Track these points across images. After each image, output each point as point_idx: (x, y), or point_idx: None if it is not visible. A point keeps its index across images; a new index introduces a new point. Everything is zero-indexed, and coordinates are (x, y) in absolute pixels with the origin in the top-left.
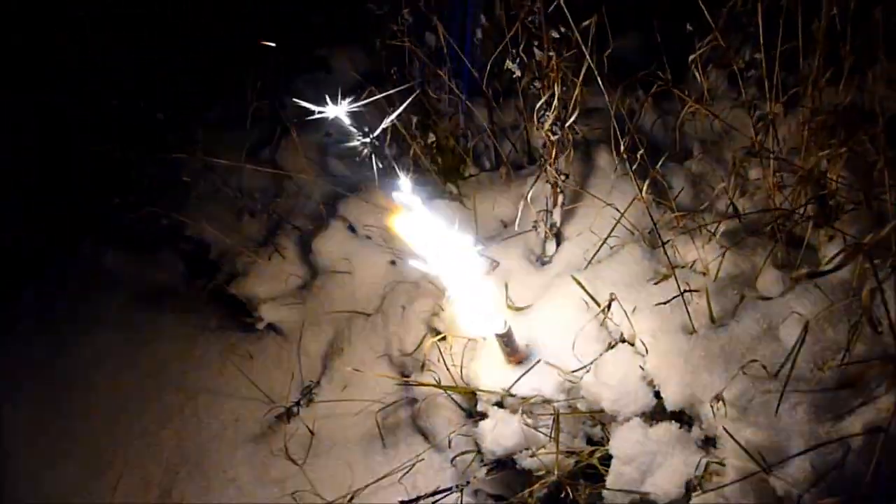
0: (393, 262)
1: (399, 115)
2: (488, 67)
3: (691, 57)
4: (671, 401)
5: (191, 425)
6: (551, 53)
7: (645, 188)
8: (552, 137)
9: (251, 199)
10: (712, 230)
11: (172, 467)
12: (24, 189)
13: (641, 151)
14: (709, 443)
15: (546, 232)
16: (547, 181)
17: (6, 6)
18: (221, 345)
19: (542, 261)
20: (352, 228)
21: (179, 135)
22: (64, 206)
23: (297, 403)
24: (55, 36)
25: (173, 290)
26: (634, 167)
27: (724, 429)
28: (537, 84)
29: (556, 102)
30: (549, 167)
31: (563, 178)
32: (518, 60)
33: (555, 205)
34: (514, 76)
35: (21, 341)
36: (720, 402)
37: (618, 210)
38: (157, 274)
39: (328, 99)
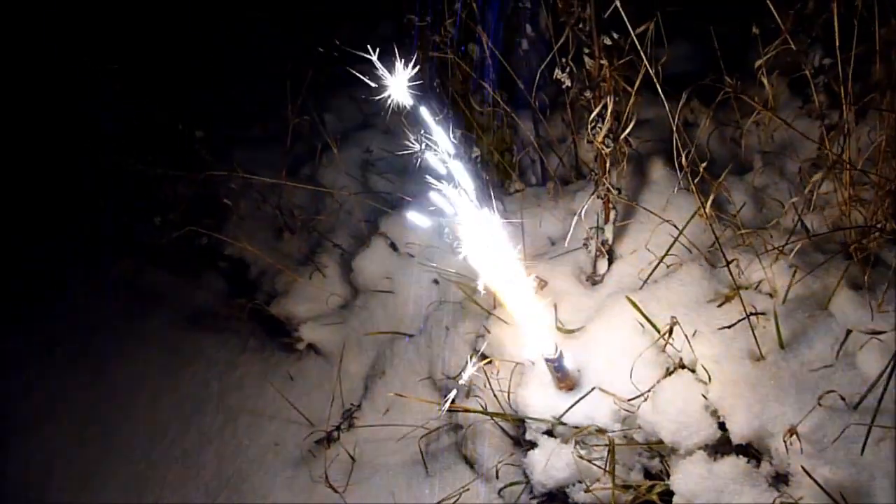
0: (436, 281)
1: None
2: (536, 78)
3: (758, 63)
4: (738, 433)
5: (231, 448)
6: (603, 62)
7: (709, 204)
8: (605, 150)
9: (291, 217)
10: (780, 248)
11: (212, 491)
12: (61, 206)
13: (704, 164)
14: (780, 480)
15: (598, 249)
16: (598, 196)
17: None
18: (261, 365)
19: (593, 280)
20: (393, 246)
21: (219, 152)
22: (103, 224)
23: (338, 427)
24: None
25: (213, 309)
26: (697, 180)
27: (802, 467)
28: (587, 94)
29: (609, 113)
30: (601, 181)
31: (615, 192)
32: (567, 70)
33: (606, 221)
34: (563, 87)
35: (61, 361)
36: (794, 436)
37: (675, 227)
38: (197, 293)
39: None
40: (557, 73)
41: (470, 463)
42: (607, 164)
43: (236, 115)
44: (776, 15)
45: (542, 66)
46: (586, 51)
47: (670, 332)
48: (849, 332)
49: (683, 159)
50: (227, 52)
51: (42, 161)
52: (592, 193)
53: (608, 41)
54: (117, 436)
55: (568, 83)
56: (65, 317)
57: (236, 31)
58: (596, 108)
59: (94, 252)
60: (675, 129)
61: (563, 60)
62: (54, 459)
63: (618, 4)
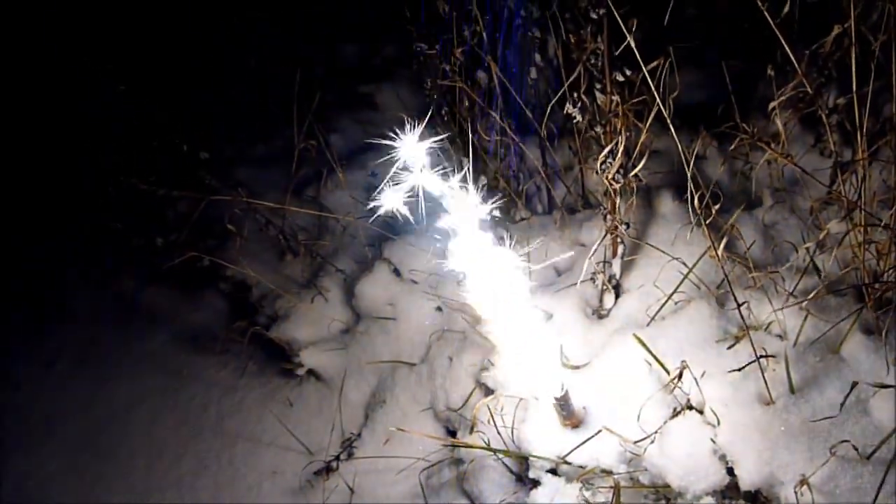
0: (439, 309)
1: (447, 154)
2: (547, 108)
3: (772, 105)
4: (747, 480)
5: (227, 475)
6: (615, 97)
7: (721, 247)
8: (615, 186)
9: (294, 240)
10: (790, 289)
11: None
12: (61, 206)
13: (718, 207)
14: None
15: (605, 283)
16: (607, 230)
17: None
18: (261, 390)
19: (599, 314)
20: (397, 272)
21: (222, 171)
22: (102, 242)
23: (337, 457)
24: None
25: (212, 331)
26: (708, 221)
27: None
28: (598, 130)
29: (620, 150)
30: (609, 216)
31: (624, 226)
32: (579, 105)
33: (614, 255)
34: (574, 120)
35: (58, 381)
36: (805, 486)
37: (685, 265)
38: (197, 314)
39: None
40: (569, 107)
41: (471, 499)
42: (616, 200)
43: (236, 116)
44: (791, 56)
45: (550, 94)
46: (598, 86)
47: (680, 375)
48: (854, 383)
49: (697, 202)
50: (227, 52)
51: (42, 161)
52: (604, 235)
53: (620, 77)
54: (114, 460)
55: (579, 118)
56: (63, 332)
57: (236, 31)
58: (607, 144)
59: (95, 258)
60: (688, 170)
61: (575, 95)
62: (49, 484)
63: (631, 42)
